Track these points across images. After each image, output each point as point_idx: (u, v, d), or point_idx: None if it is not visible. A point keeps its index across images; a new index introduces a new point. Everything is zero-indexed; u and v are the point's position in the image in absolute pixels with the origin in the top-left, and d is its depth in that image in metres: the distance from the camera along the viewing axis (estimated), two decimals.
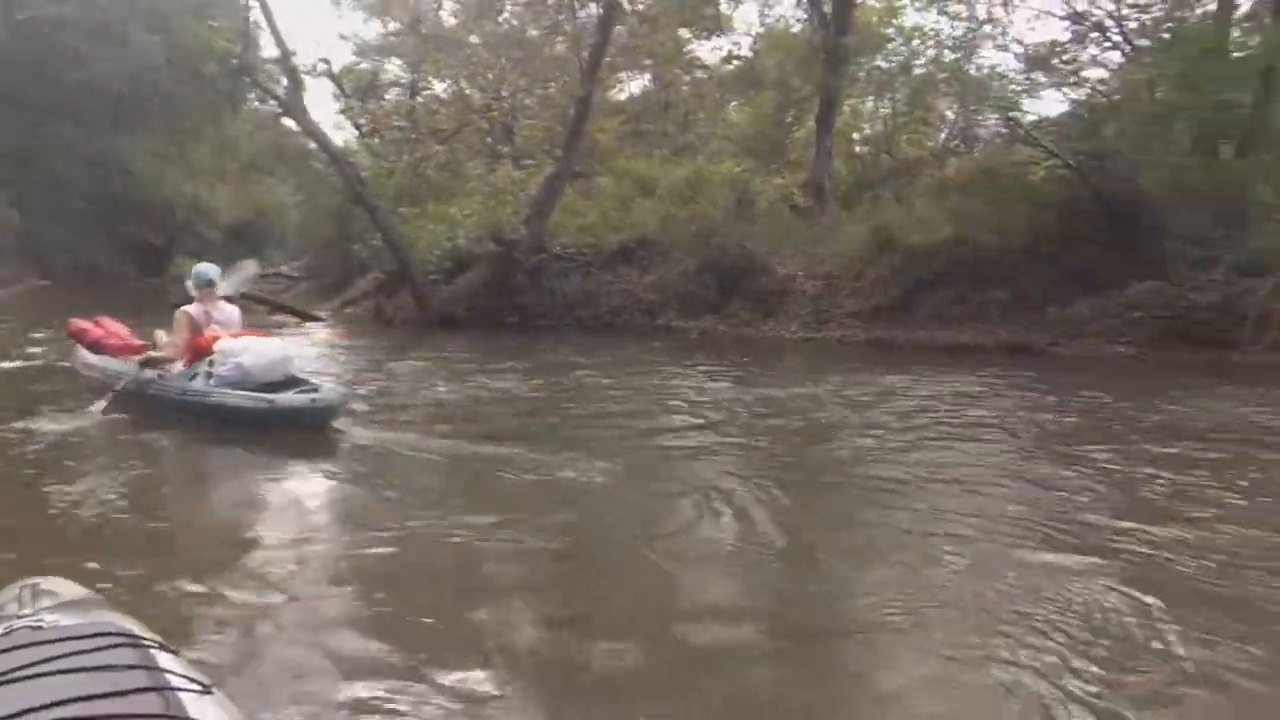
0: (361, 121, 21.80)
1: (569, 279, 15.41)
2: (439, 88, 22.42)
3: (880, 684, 2.36)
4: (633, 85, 22.59)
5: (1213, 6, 13.43)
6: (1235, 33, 12.92)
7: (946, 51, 15.57)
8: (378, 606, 3.00)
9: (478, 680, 2.41)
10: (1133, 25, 14.98)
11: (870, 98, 19.06)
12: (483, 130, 19.84)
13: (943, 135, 19.54)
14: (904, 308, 12.02)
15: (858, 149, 19.63)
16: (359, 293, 19.20)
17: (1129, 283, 10.05)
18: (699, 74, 20.75)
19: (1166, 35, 14.26)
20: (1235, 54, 12.32)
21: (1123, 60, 15.25)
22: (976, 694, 2.19)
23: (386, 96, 23.71)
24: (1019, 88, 14.35)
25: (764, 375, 9.44)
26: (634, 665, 2.52)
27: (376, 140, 21.16)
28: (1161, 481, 4.48)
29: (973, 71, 15.12)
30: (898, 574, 3.17)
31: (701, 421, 6.56)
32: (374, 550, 3.59)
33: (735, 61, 20.59)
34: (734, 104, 21.95)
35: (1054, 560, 3.16)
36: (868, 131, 19.78)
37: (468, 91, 20.11)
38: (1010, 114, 13.25)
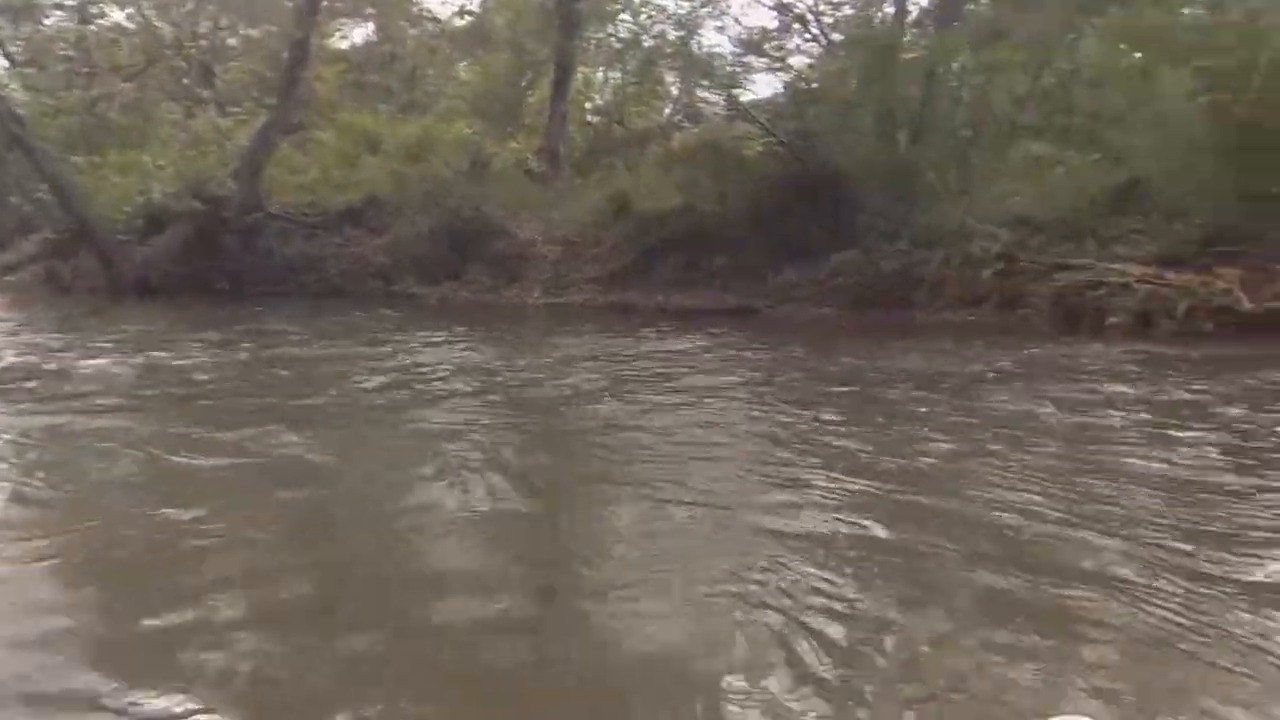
0: (13, 48, 18.22)
1: (290, 242, 14.17)
2: (119, 15, 19.33)
3: (631, 641, 2.35)
4: (355, 34, 21.11)
5: (892, 10, 15.33)
6: (908, 36, 14.87)
7: (671, 29, 16.26)
8: (60, 621, 2.50)
9: (198, 694, 2.08)
10: (828, 21, 16.69)
11: (601, 68, 19.46)
12: (178, 69, 17.47)
13: (668, 110, 20.49)
14: (641, 273, 12.54)
15: (590, 118, 20.00)
16: (24, 256, 16.20)
17: (832, 252, 11.32)
18: (428, 27, 19.87)
19: (855, 32, 16.06)
20: (907, 55, 14.14)
21: (821, 51, 16.94)
22: (718, 641, 2.27)
23: (46, 20, 19.99)
24: (736, 69, 15.41)
25: (504, 341, 9.36)
26: (379, 653, 2.31)
27: (34, 71, 17.83)
28: (856, 428, 5.01)
29: (695, 50, 15.95)
30: (637, 533, 3.19)
31: (439, 389, 6.28)
32: (45, 561, 2.97)
33: (466, 17, 20.00)
34: (465, 63, 21.33)
35: (770, 513, 3.32)
36: (600, 102, 20.20)
37: (157, 24, 17.55)
38: (732, 91, 14.20)
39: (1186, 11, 14.36)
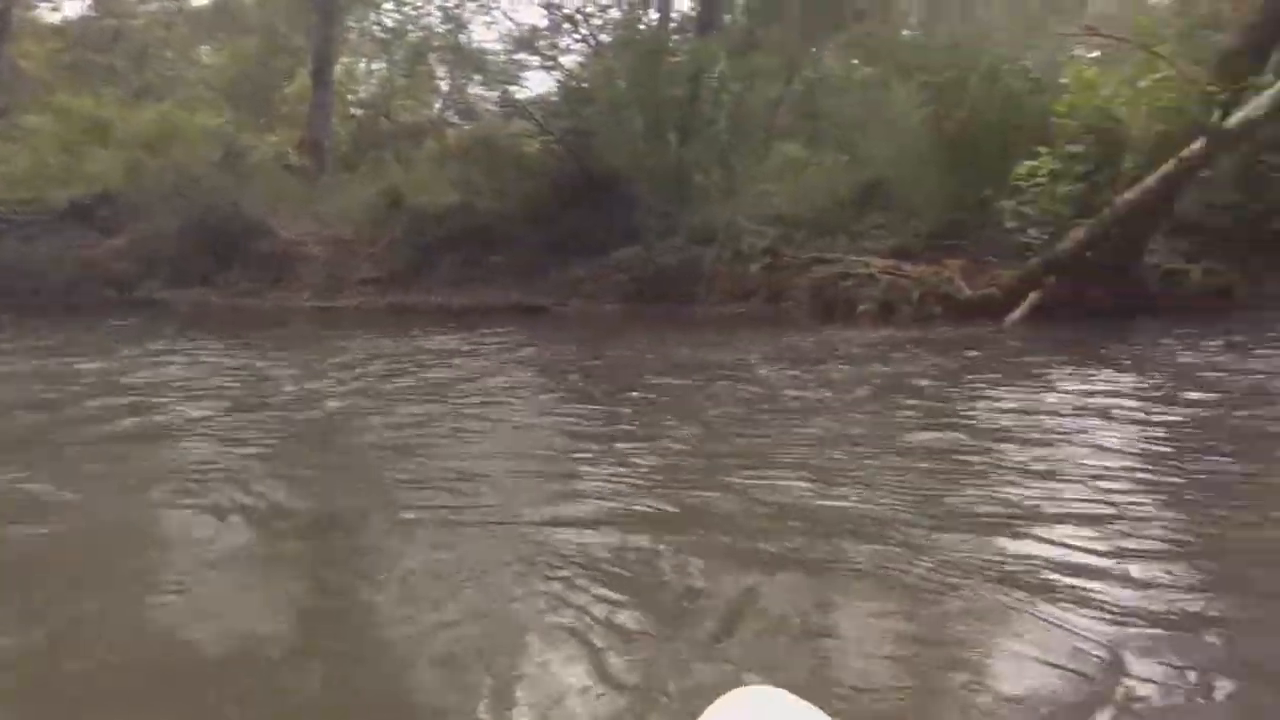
0: None
1: None
2: None
3: (419, 672, 2.22)
4: (70, 7, 18.57)
5: (657, 15, 15.97)
6: (672, 42, 15.56)
7: (438, 22, 15.91)
8: None
9: None
10: (597, 22, 17.07)
11: (365, 58, 18.58)
12: None
13: (438, 104, 19.98)
14: (419, 272, 12.17)
15: (354, 110, 19.02)
16: None
17: (614, 248, 11.63)
18: (163, 4, 17.92)
19: (622, 33, 16.56)
20: (672, 60, 14.80)
21: (590, 51, 17.28)
22: (505, 662, 2.21)
23: None
24: (508, 65, 15.35)
25: (268, 350, 8.53)
26: None
27: None
28: (625, 424, 5.11)
29: (465, 45, 15.71)
30: (419, 557, 2.97)
31: (187, 410, 5.46)
32: None
33: None
34: (208, 45, 19.46)
35: (545, 523, 3.22)
36: (363, 94, 19.27)
37: None
38: (508, 88, 14.13)
39: (905, 32, 16.30)
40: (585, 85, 15.32)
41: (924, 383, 6.18)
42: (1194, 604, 2.40)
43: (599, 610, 2.41)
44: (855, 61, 15.19)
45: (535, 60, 15.97)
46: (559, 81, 15.36)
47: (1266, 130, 8.38)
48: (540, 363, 7.88)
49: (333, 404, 5.90)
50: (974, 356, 7.42)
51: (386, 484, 4.00)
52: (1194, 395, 5.49)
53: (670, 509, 3.34)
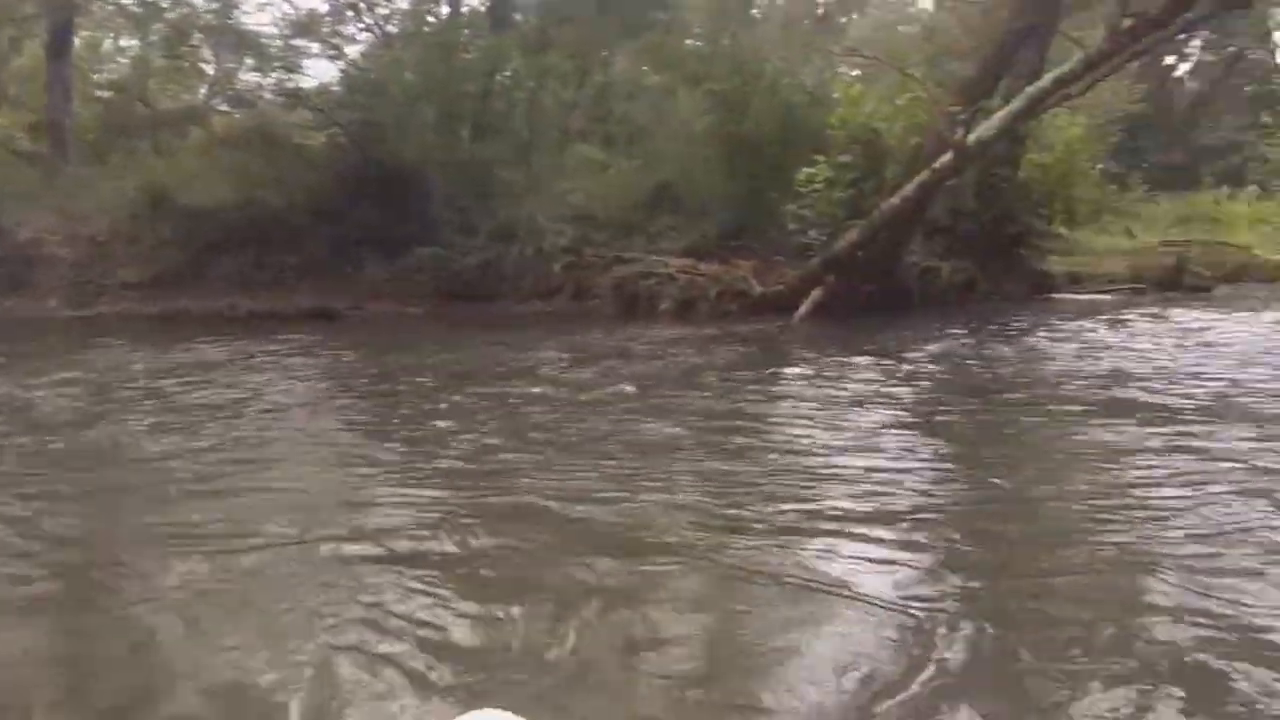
0: None
1: None
2: None
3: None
4: None
5: (447, 9, 15.56)
6: (464, 36, 15.21)
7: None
8: None
9: None
10: (383, 11, 16.27)
11: (111, 34, 16.60)
12: None
13: (204, 90, 18.24)
14: (195, 275, 11.08)
15: (100, 92, 16.92)
16: None
17: (414, 248, 11.21)
18: None
19: (410, 24, 15.94)
20: (465, 54, 14.49)
21: (376, 41, 16.46)
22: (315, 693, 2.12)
23: None
24: (285, 51, 14.34)
25: (4, 366, 7.44)
26: None
27: None
28: (408, 433, 4.99)
29: (235, 26, 14.49)
30: (200, 591, 2.74)
31: None
32: None
33: None
34: None
35: (341, 540, 3.13)
36: (112, 74, 17.19)
37: None
38: (290, 74, 13.21)
39: (689, 42, 17.02)
40: (372, 76, 14.60)
41: (715, 379, 6.56)
42: (964, 587, 2.68)
43: (389, 656, 2.26)
44: (645, 68, 15.64)
45: (315, 47, 14.98)
46: (343, 71, 14.53)
47: (997, 148, 9.66)
48: (326, 374, 7.40)
49: (93, 427, 5.30)
50: (764, 352, 7.97)
51: (156, 514, 3.60)
52: (946, 378, 6.29)
53: (459, 535, 3.18)
